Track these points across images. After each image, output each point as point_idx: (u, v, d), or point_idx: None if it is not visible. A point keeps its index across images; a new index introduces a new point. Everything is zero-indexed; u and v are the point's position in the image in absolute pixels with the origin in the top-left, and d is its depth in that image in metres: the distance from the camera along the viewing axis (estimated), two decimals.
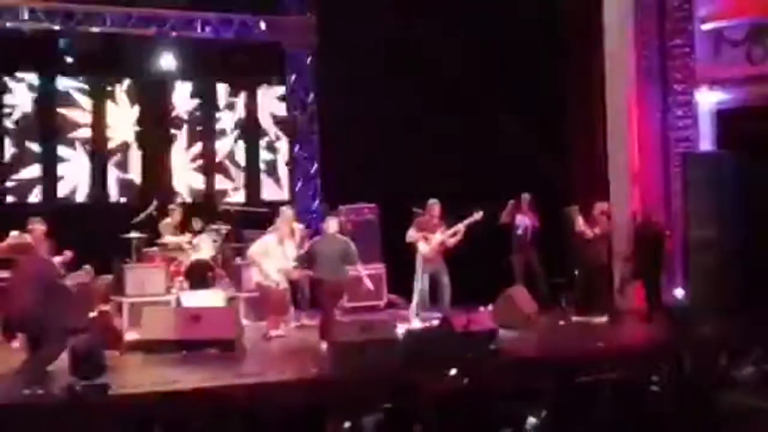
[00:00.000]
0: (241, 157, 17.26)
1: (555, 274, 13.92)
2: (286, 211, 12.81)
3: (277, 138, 17.53)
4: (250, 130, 17.34)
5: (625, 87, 13.99)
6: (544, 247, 13.90)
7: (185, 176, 16.83)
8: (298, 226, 13.30)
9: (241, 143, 17.29)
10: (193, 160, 16.96)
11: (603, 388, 6.71)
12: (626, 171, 13.96)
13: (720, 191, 12.85)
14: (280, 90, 17.40)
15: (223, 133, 17.20)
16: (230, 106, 17.27)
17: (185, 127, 16.91)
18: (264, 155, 17.48)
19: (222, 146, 17.18)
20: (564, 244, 13.57)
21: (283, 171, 17.52)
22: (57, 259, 11.17)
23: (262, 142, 17.46)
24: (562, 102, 14.95)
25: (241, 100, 17.30)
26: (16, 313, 9.30)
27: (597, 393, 6.47)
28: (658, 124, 14.01)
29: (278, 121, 17.23)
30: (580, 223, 12.96)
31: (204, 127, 17.02)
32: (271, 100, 17.50)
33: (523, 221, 13.86)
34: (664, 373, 7.09)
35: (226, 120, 17.23)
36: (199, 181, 16.92)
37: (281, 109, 17.47)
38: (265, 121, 17.48)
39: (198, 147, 16.97)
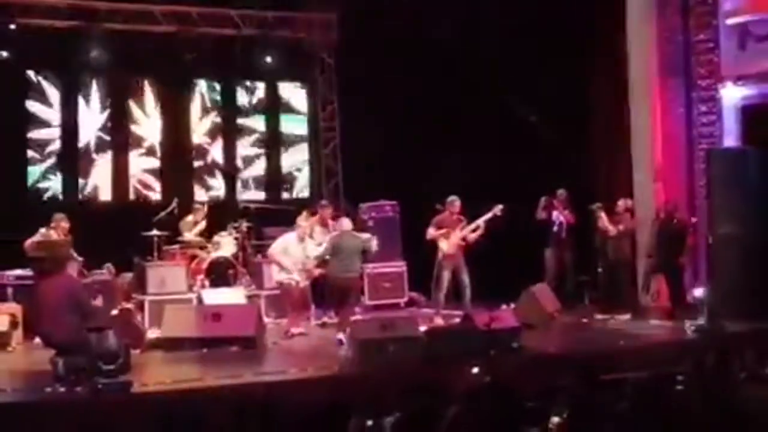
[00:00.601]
0: (261, 157, 17.24)
1: (580, 272, 13.86)
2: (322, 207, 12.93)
3: (298, 137, 17.52)
4: (270, 127, 17.32)
5: (648, 83, 13.90)
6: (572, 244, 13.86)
7: (206, 178, 16.82)
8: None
9: (263, 142, 17.28)
10: (212, 161, 16.94)
11: (626, 386, 6.63)
12: (650, 167, 13.89)
13: (744, 187, 12.72)
14: (302, 87, 17.38)
15: (244, 131, 17.18)
16: (251, 105, 17.26)
17: (207, 125, 16.91)
18: (285, 153, 17.47)
19: (243, 145, 17.17)
20: (589, 242, 13.49)
21: (304, 169, 17.50)
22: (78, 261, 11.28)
23: (283, 140, 17.45)
24: (586, 99, 14.88)
25: (262, 97, 17.28)
26: (54, 334, 9.29)
27: (620, 391, 6.40)
28: (682, 120, 13.91)
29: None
30: (603, 220, 12.91)
31: (225, 127, 16.99)
32: (292, 97, 17.48)
33: (559, 217, 13.82)
34: (688, 371, 7.01)
35: (248, 119, 17.21)
36: (219, 182, 16.90)
37: (303, 107, 17.46)
38: (287, 119, 17.46)
39: (219, 146, 16.95)
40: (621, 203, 13.00)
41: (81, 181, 15.93)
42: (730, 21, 13.47)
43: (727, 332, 10.75)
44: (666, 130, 13.87)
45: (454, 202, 12.76)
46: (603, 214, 12.96)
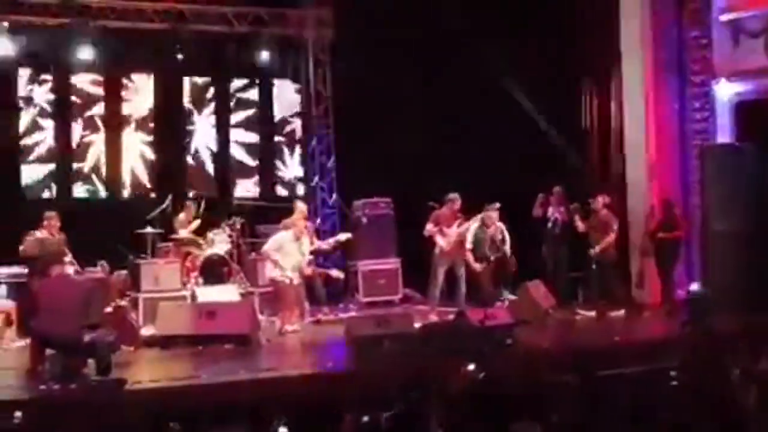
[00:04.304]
0: (255, 153, 17.23)
1: (574, 269, 13.86)
2: (301, 206, 12.86)
3: (293, 133, 17.51)
4: (264, 125, 17.31)
5: (642, 79, 13.90)
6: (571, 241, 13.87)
7: (199, 173, 16.79)
8: (308, 223, 13.30)
9: (255, 139, 17.26)
10: (205, 157, 16.92)
11: (621, 382, 6.65)
12: (644, 164, 13.89)
13: (738, 184, 12.74)
14: (296, 84, 17.37)
15: (237, 126, 17.17)
16: (244, 101, 17.24)
17: (198, 123, 16.88)
18: (279, 150, 17.45)
19: (235, 141, 17.15)
20: (584, 239, 13.50)
21: (297, 166, 17.49)
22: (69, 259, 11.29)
23: (277, 138, 17.44)
24: (580, 95, 14.87)
25: (256, 94, 17.27)
26: (51, 333, 9.29)
27: (615, 387, 6.42)
28: (675, 117, 13.91)
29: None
30: (576, 220, 13.01)
31: (219, 123, 16.97)
32: (286, 95, 17.46)
33: (554, 214, 13.83)
34: (681, 367, 7.03)
35: (240, 116, 17.20)
36: (212, 182, 16.87)
37: (297, 104, 17.44)
38: (281, 116, 17.44)
39: (213, 143, 16.93)
40: (600, 199, 13.00)
41: (74, 178, 15.89)
42: (724, 17, 13.47)
43: (720, 328, 10.75)
44: (660, 127, 13.88)
45: (455, 199, 12.78)
46: (577, 215, 13.06)
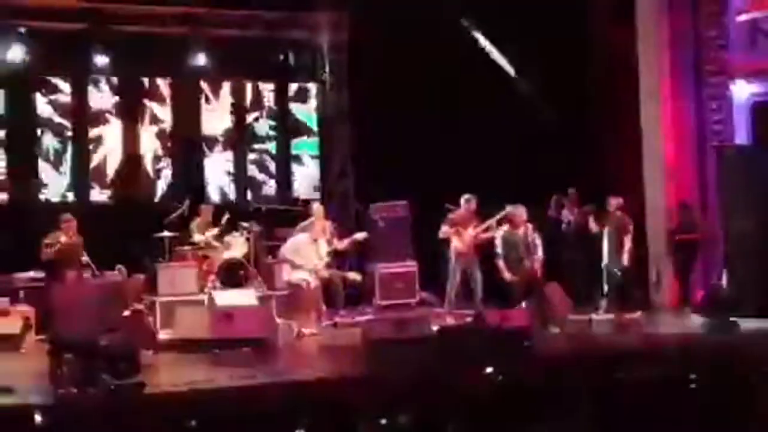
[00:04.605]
0: (270, 159, 17.25)
1: (591, 271, 13.81)
2: (318, 208, 12.90)
3: (309, 135, 17.54)
4: (281, 128, 17.32)
5: (659, 80, 13.86)
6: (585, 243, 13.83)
7: (216, 179, 16.82)
8: (328, 223, 13.36)
9: (273, 143, 17.28)
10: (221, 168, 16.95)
11: (639, 385, 6.63)
12: (661, 165, 13.85)
13: (756, 184, 12.69)
14: (312, 88, 17.39)
15: (255, 133, 17.19)
16: (261, 105, 17.25)
17: (218, 126, 16.90)
18: (294, 153, 17.46)
19: (254, 146, 17.17)
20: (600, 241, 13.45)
21: (314, 169, 17.49)
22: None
23: (294, 141, 17.45)
24: (596, 97, 14.84)
25: (272, 98, 17.28)
26: (70, 337, 9.34)
27: (634, 390, 6.39)
28: (692, 118, 13.86)
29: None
30: (590, 221, 12.95)
31: (235, 127, 16.99)
32: (303, 98, 17.48)
33: (568, 216, 13.79)
34: (701, 370, 7.00)
35: (258, 119, 17.21)
36: (229, 185, 16.89)
37: (313, 107, 17.45)
38: (297, 120, 17.46)
39: (229, 146, 16.96)
40: (613, 201, 12.96)
41: (92, 182, 15.96)
42: (741, 18, 13.43)
43: (740, 330, 10.71)
44: (677, 128, 13.84)
45: (471, 201, 12.76)
46: (591, 217, 13.02)
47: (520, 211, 12.35)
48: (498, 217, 12.65)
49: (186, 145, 16.59)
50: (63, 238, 12.00)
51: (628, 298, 12.82)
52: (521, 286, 12.17)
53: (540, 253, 12.25)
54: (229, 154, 16.96)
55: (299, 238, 12.30)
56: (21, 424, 7.22)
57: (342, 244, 13.25)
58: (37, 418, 6.98)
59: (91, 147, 16.02)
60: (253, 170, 17.11)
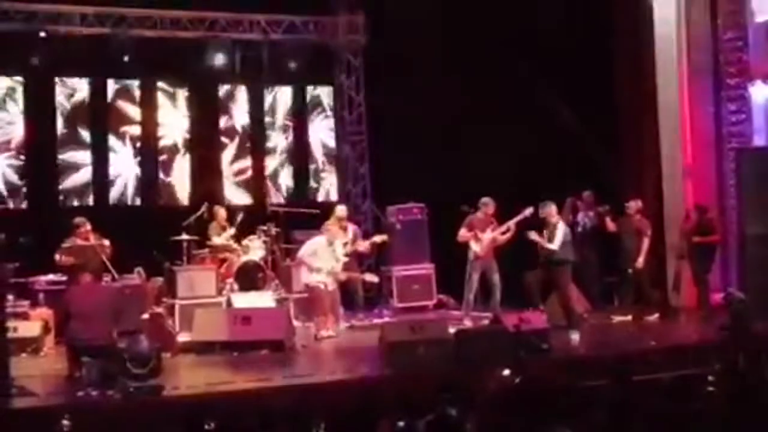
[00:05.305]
0: (289, 161, 17.27)
1: (608, 273, 13.80)
2: (341, 210, 12.96)
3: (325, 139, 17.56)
4: (297, 131, 17.35)
5: (677, 82, 13.83)
6: (600, 245, 13.80)
7: (231, 188, 16.84)
8: (352, 226, 13.41)
9: (289, 141, 17.31)
10: (239, 173, 16.97)
11: (657, 387, 6.61)
12: (679, 167, 13.82)
13: None
14: (329, 89, 17.41)
15: (271, 135, 17.21)
16: (279, 108, 17.26)
17: (237, 137, 16.95)
18: (312, 154, 17.48)
19: (271, 149, 17.21)
20: (617, 243, 13.43)
21: (331, 172, 17.51)
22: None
23: (312, 140, 17.45)
24: (615, 99, 14.81)
25: (289, 101, 17.29)
26: (88, 339, 9.41)
27: (651, 392, 6.38)
28: (711, 119, 13.83)
29: None
30: (607, 221, 12.91)
31: (252, 131, 17.02)
32: (319, 102, 17.50)
33: (584, 219, 13.77)
34: (718, 372, 6.98)
35: (275, 123, 17.24)
36: (246, 187, 16.92)
37: (330, 110, 17.46)
38: (314, 123, 17.49)
39: (247, 149, 17.00)
40: (632, 204, 12.93)
41: (110, 185, 16.02)
42: (759, 19, 13.38)
43: (757, 333, 10.66)
44: (695, 130, 13.80)
45: (488, 203, 12.77)
46: (608, 218, 13.03)
47: (548, 208, 12.25)
48: (516, 219, 12.64)
49: (204, 148, 16.61)
50: (78, 242, 12.08)
51: (646, 300, 12.81)
52: (540, 286, 12.22)
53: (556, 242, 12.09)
54: (247, 157, 16.99)
55: (316, 241, 12.33)
56: (43, 427, 7.29)
57: (362, 246, 13.29)
58: (65, 423, 7.03)
59: (109, 150, 16.08)
60: (269, 172, 17.12)
